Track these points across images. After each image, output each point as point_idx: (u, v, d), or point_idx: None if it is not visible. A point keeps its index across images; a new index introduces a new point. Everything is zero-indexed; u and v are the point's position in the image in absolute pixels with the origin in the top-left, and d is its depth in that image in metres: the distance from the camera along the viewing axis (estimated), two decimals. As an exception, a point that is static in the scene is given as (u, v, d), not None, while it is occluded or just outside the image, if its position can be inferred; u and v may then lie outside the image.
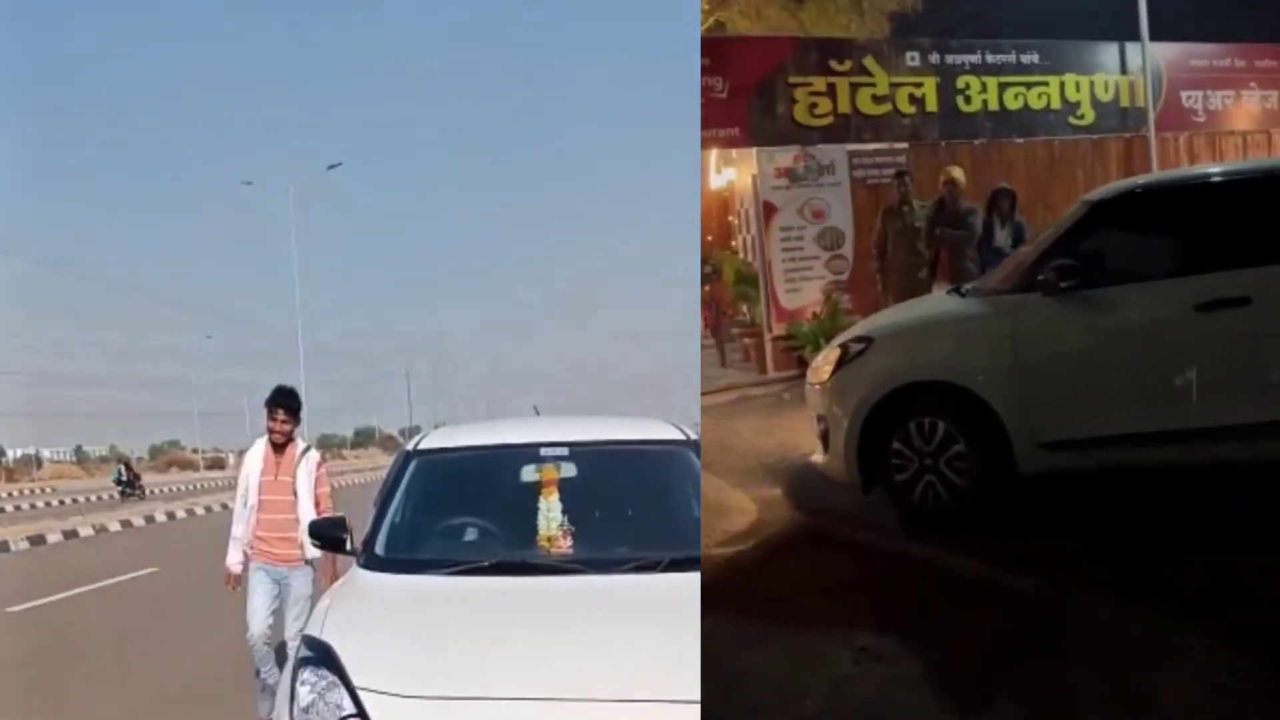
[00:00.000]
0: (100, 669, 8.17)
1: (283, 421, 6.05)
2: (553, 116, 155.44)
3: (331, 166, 41.19)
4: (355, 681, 3.32)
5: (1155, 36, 13.54)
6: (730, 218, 15.43)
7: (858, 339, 6.27)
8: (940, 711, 3.99)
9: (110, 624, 10.18)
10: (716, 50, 11.88)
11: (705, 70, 11.32)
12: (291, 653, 4.47)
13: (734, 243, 15.37)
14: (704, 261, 14.87)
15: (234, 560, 6.10)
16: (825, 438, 6.23)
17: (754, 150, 12.13)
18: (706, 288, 15.09)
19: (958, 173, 10.01)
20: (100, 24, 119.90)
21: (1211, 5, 15.50)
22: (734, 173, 14.83)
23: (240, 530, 6.09)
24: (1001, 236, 9.58)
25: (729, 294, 14.46)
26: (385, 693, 3.27)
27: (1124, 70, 13.65)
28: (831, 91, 12.03)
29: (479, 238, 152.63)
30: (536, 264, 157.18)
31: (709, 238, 16.15)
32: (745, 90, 11.65)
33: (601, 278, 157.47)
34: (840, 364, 6.18)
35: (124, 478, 35.34)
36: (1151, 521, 5.59)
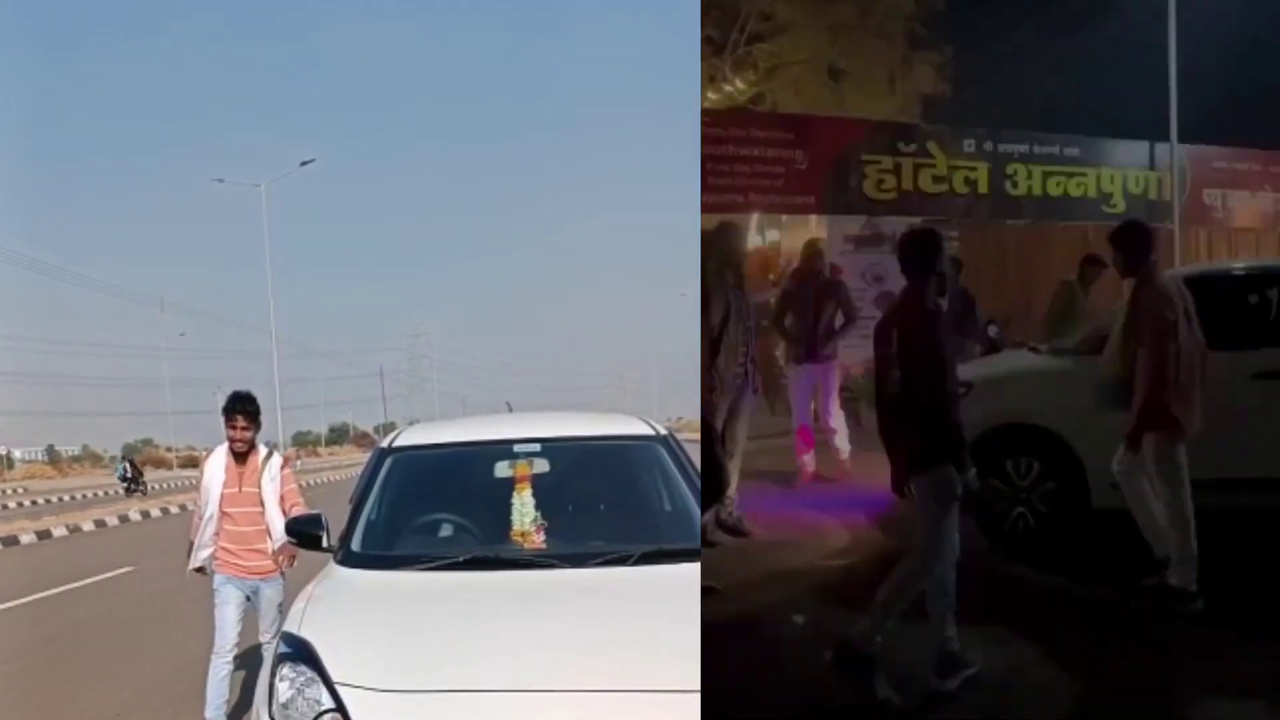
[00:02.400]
0: (80, 667, 8.19)
1: (243, 429, 5.83)
2: (538, 112, 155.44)
3: (305, 163, 40.89)
4: (333, 677, 3.37)
5: (1182, 138, 14.75)
6: (770, 275, 16.21)
7: (959, 383, 6.71)
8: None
9: (88, 623, 10.17)
10: (801, 127, 12.97)
11: (788, 144, 12.54)
12: (266, 655, 4.52)
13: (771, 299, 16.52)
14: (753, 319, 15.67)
15: (196, 565, 5.96)
16: None
17: (822, 217, 13.32)
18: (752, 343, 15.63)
19: (822, 244, 10.71)
20: (70, 17, 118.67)
21: (1233, 112, 16.50)
22: (778, 234, 16.21)
23: (203, 539, 5.89)
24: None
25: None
26: (363, 687, 3.32)
27: (1152, 167, 14.84)
28: (897, 170, 13.13)
29: (456, 235, 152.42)
30: (513, 262, 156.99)
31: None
32: (822, 164, 12.70)
33: (582, 275, 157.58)
34: None
35: (128, 474, 35.34)
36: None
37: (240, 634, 5.83)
